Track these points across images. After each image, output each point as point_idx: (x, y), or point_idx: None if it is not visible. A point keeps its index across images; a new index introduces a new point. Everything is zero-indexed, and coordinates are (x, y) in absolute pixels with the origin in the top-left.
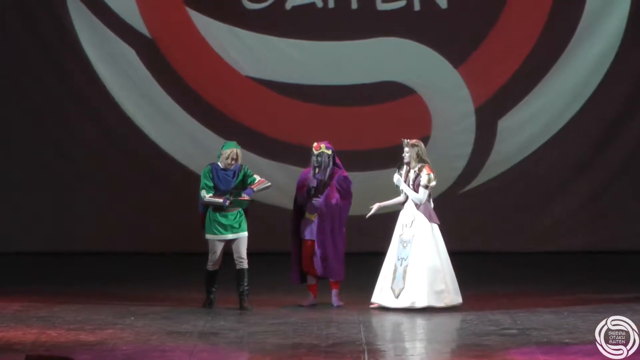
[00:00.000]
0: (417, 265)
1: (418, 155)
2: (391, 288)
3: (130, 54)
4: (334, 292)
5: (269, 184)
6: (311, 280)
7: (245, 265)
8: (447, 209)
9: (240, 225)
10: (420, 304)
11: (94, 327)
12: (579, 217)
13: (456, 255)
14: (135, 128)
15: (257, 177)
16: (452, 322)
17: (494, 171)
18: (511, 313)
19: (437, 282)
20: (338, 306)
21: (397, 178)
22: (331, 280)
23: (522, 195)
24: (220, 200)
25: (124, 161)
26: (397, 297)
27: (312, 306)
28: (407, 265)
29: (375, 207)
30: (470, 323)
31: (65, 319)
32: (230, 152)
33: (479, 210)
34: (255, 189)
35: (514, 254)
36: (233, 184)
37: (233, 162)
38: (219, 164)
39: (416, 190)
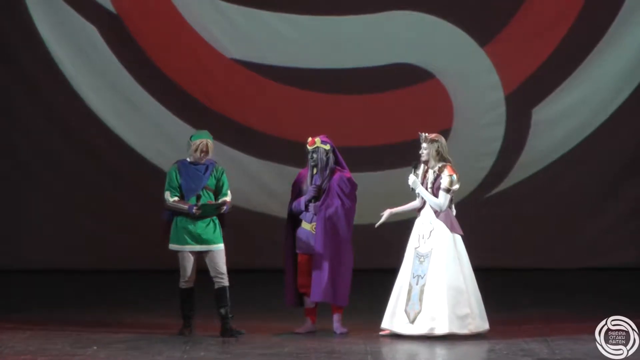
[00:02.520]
0: (436, 285)
1: (438, 152)
2: (405, 311)
3: (92, 32)
4: (336, 317)
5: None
6: (309, 303)
7: (225, 282)
8: (470, 217)
9: (213, 236)
10: (441, 330)
11: (49, 358)
12: (627, 227)
13: (481, 272)
14: (97, 121)
15: (229, 195)
16: (477, 352)
17: (527, 172)
18: (548, 341)
19: (461, 305)
20: (341, 333)
21: (413, 180)
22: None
23: (560, 200)
24: (186, 206)
25: (85, 162)
26: (412, 322)
27: (310, 333)
28: (424, 284)
29: (386, 213)
30: (499, 353)
31: (15, 348)
32: (200, 143)
33: (508, 219)
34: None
35: (550, 271)
36: (205, 181)
37: (203, 155)
38: (187, 158)
39: (435, 194)
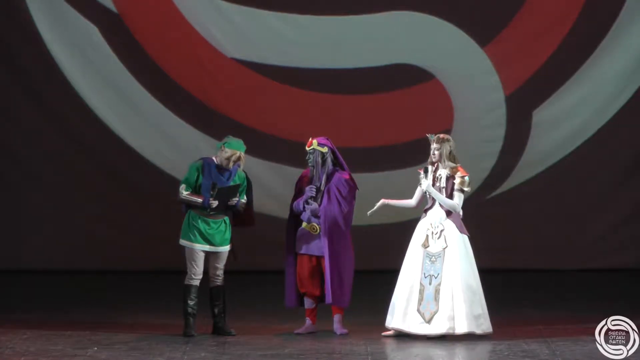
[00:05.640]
0: (452, 284)
1: (451, 152)
2: (418, 311)
3: (92, 31)
4: (337, 317)
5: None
6: (309, 304)
7: (221, 281)
8: (471, 218)
9: (223, 238)
10: (460, 329)
11: (50, 359)
12: (629, 228)
13: (482, 273)
14: (98, 122)
15: (245, 198)
16: (478, 353)
17: (527, 173)
18: (549, 342)
19: (475, 304)
20: (342, 334)
21: (427, 184)
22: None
23: (561, 202)
24: (199, 199)
25: (86, 163)
26: (428, 321)
27: (311, 334)
28: (439, 284)
29: (379, 203)
30: (500, 354)
31: (15, 349)
32: (232, 154)
33: (509, 220)
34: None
35: (551, 272)
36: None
37: (233, 165)
38: (215, 158)
39: (449, 195)
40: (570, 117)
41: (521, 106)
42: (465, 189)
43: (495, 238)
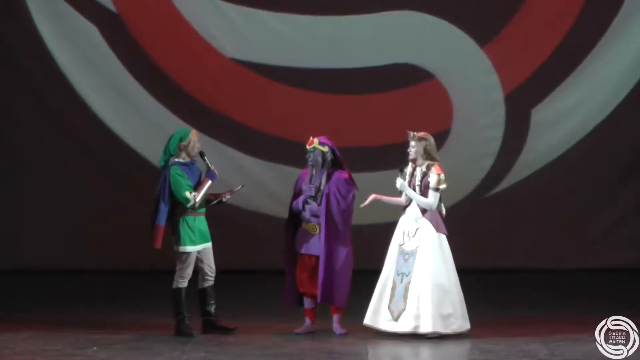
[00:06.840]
0: (421, 283)
1: (426, 150)
2: (389, 308)
3: (92, 31)
4: (336, 317)
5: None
6: (308, 303)
7: (213, 280)
8: (469, 217)
9: (208, 233)
10: (425, 329)
11: (49, 359)
12: (627, 227)
13: (481, 272)
14: (98, 122)
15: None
16: (476, 353)
17: (526, 172)
18: (548, 342)
19: (445, 304)
20: (340, 334)
21: (401, 183)
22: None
23: (559, 201)
24: (209, 180)
25: (85, 163)
26: (395, 319)
27: (310, 334)
28: (409, 282)
29: (371, 197)
30: (498, 354)
31: (15, 349)
32: (193, 136)
33: (507, 219)
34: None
35: (549, 272)
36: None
37: (198, 147)
38: (182, 159)
39: (424, 192)
40: (569, 116)
41: (520, 105)
42: (440, 187)
43: (494, 237)
